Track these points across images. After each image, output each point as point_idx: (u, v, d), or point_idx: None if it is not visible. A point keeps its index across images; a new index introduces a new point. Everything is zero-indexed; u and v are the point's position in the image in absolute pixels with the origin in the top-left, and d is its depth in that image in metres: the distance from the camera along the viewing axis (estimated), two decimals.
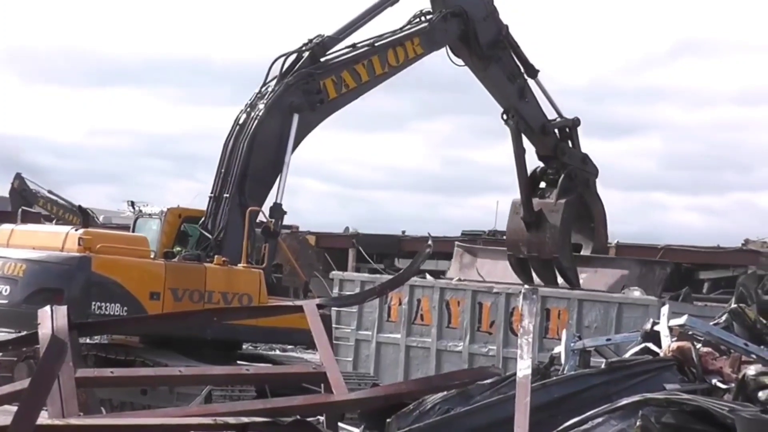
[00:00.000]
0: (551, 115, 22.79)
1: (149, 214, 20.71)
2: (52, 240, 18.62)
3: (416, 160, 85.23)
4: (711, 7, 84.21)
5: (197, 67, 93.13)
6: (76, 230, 18.67)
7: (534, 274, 22.55)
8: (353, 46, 20.78)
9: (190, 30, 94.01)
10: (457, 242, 24.59)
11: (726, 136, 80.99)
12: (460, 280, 22.50)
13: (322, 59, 20.45)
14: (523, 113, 22.13)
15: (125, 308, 17.81)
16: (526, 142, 22.47)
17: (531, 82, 22.56)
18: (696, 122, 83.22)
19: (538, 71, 22.56)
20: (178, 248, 19.82)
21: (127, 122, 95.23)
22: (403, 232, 42.44)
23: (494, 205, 52.69)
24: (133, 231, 20.59)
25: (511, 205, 22.77)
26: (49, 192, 39.37)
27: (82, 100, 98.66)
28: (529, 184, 22.39)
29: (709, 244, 37.00)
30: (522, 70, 22.36)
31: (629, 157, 79.85)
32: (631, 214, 68.75)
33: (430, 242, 15.80)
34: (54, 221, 36.65)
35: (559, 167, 22.43)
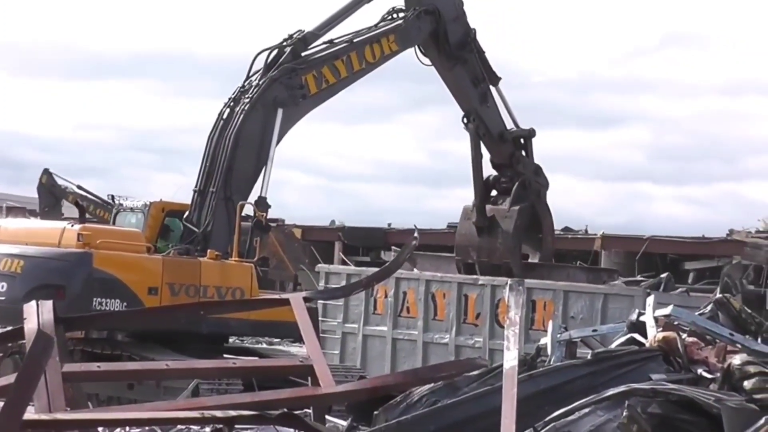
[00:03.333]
0: (509, 125, 23.25)
1: (130, 208, 20.68)
2: (47, 236, 18.53)
3: (402, 152, 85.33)
4: (698, 0, 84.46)
5: (181, 60, 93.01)
6: (72, 226, 18.58)
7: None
8: (331, 42, 21.06)
9: (174, 24, 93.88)
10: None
11: (711, 126, 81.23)
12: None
13: (303, 54, 20.67)
14: (483, 117, 22.59)
15: (125, 304, 17.80)
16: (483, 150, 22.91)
17: (492, 90, 22.99)
18: (682, 113, 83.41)
19: (500, 79, 23.02)
20: (164, 242, 19.81)
21: (112, 116, 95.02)
22: (389, 224, 42.45)
23: None
24: (113, 224, 20.58)
25: (462, 211, 23.20)
26: (78, 187, 38.35)
27: (67, 94, 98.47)
28: (484, 189, 22.79)
29: (694, 235, 37.09)
30: (485, 76, 22.75)
31: (616, 148, 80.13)
32: (616, 205, 68.97)
33: (416, 234, 15.78)
34: (42, 216, 36.07)
35: (513, 176, 22.89)
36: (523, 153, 23.20)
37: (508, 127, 23.17)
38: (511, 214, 22.45)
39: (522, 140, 23.25)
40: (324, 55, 20.86)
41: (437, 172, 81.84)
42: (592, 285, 20.71)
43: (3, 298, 17.89)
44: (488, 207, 22.79)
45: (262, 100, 19.96)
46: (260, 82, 20.12)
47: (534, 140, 23.40)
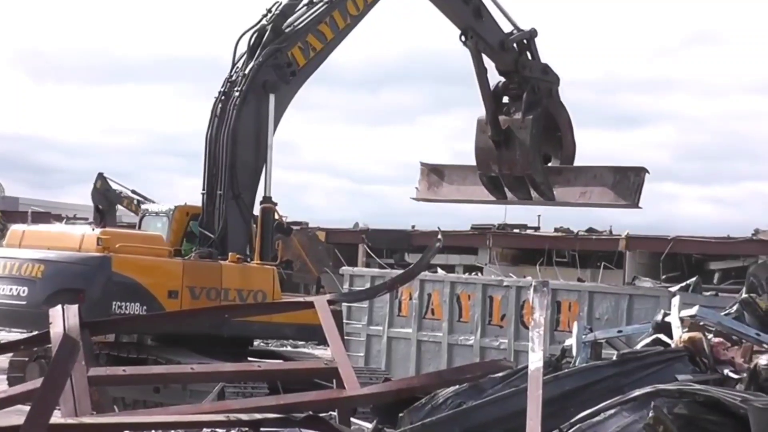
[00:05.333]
0: (507, 28, 22.46)
1: (155, 212, 20.72)
2: (68, 240, 18.63)
3: (426, 154, 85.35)
4: None
5: (204, 64, 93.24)
6: (93, 230, 18.70)
7: (507, 190, 22.50)
8: (310, 2, 20.56)
9: (198, 28, 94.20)
10: (421, 161, 23.89)
11: (737, 125, 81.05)
12: (427, 200, 22.65)
13: (285, 27, 20.21)
14: (480, 32, 21.84)
15: (144, 307, 17.87)
16: (487, 60, 22.21)
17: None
18: (707, 112, 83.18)
19: None
20: (188, 245, 19.83)
21: (136, 120, 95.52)
22: (413, 226, 42.45)
23: None
24: (139, 229, 20.62)
25: (477, 124, 22.46)
26: (133, 192, 38.18)
27: (92, 99, 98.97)
28: (494, 102, 22.23)
29: (719, 235, 36.97)
30: None
31: (641, 148, 79.87)
32: (641, 204, 68.68)
33: (440, 236, 15.73)
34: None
35: (520, 81, 22.22)
36: (528, 54, 22.44)
37: (509, 31, 22.37)
38: (525, 124, 21.87)
39: (525, 42, 22.46)
40: (306, 24, 20.37)
41: None
42: (617, 286, 20.64)
43: (24, 303, 17.99)
44: (502, 118, 22.16)
45: (252, 89, 19.66)
46: (246, 72, 19.79)
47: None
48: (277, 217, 19.63)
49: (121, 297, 17.79)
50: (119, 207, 37.15)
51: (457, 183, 22.69)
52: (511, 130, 22.00)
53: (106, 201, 36.91)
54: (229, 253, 19.01)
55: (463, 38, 21.87)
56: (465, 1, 21.74)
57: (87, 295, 17.47)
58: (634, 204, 21.10)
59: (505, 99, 22.49)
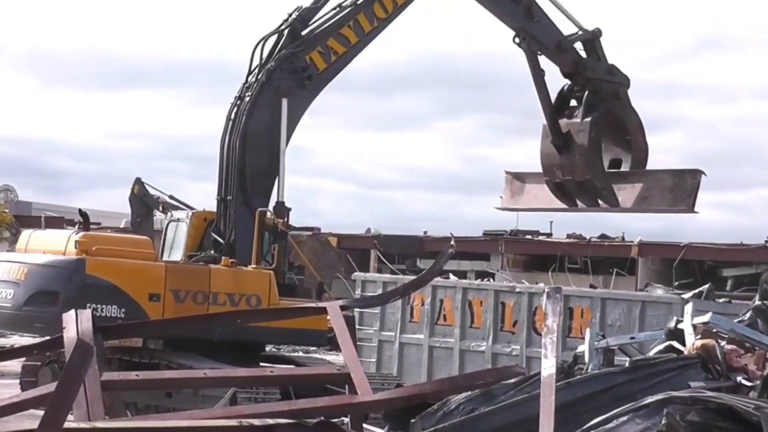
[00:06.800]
0: (570, 29, 21.90)
1: (177, 219, 20.69)
2: (57, 244, 18.70)
3: (436, 159, 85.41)
4: (732, 3, 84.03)
5: (214, 68, 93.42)
6: (77, 233, 18.68)
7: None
8: (339, 6, 20.06)
9: (209, 32, 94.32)
10: (506, 170, 23.53)
11: (748, 131, 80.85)
12: (508, 209, 22.57)
13: (304, 32, 19.82)
14: (533, 33, 21.32)
15: (123, 310, 17.73)
16: (548, 63, 21.72)
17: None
18: (718, 118, 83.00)
19: None
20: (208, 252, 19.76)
21: (147, 125, 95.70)
22: (425, 232, 42.47)
23: None
24: (165, 235, 20.56)
25: (542, 129, 22.10)
26: (170, 197, 37.93)
27: (102, 103, 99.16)
28: (552, 106, 21.77)
29: (731, 242, 36.91)
30: None
31: (651, 154, 79.70)
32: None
33: (452, 242, 15.68)
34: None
35: (583, 83, 21.68)
36: (596, 55, 21.78)
37: (572, 31, 21.81)
38: (584, 126, 21.43)
39: (590, 42, 21.84)
40: (326, 27, 19.89)
41: (471, 178, 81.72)
42: (630, 292, 20.58)
43: (8, 305, 18.10)
44: (563, 122, 21.71)
45: (264, 94, 19.41)
46: (259, 76, 19.53)
47: None
48: (274, 221, 19.32)
49: (97, 299, 17.56)
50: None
51: (535, 191, 22.48)
52: (570, 134, 21.65)
53: (144, 206, 36.79)
54: (222, 258, 18.86)
55: (516, 40, 21.45)
56: (515, 1, 21.29)
57: (61, 297, 17.42)
58: (690, 209, 20.75)
59: (573, 102, 22.07)
